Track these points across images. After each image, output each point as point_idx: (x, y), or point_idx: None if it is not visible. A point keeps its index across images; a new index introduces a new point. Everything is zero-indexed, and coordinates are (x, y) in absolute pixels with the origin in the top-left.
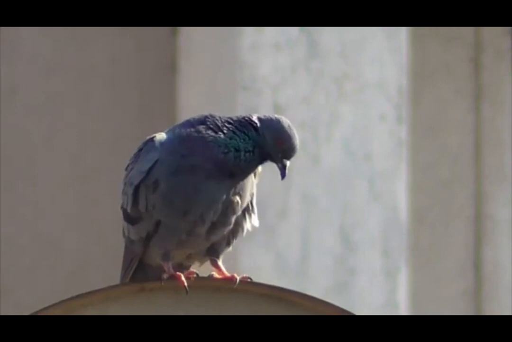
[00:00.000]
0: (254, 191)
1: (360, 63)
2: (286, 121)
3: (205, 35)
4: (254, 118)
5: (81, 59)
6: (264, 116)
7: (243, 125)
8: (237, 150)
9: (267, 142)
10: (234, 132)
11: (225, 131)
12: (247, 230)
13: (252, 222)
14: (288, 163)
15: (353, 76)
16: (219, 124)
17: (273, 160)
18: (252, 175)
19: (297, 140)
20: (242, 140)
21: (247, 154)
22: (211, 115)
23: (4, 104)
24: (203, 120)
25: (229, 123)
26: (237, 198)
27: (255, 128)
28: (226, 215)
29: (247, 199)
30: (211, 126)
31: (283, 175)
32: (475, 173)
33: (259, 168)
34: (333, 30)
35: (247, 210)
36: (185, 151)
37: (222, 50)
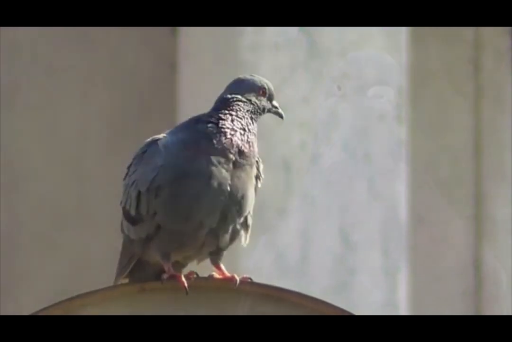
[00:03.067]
0: (254, 201)
1: (360, 63)
2: (245, 76)
3: (205, 35)
4: (230, 96)
5: (81, 59)
6: (228, 86)
7: (231, 105)
8: (243, 129)
9: (254, 100)
10: (230, 115)
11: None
12: (244, 240)
13: (245, 238)
14: (276, 103)
15: (353, 76)
16: (215, 117)
17: (265, 110)
18: (253, 181)
19: (267, 80)
20: (240, 118)
21: (250, 126)
22: (209, 115)
23: (4, 104)
24: (206, 120)
25: (219, 109)
26: (237, 207)
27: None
28: (225, 222)
29: (247, 207)
30: (213, 120)
31: (281, 115)
32: (475, 173)
33: (262, 173)
34: (333, 30)
35: (244, 223)
36: (188, 156)
37: (222, 50)
